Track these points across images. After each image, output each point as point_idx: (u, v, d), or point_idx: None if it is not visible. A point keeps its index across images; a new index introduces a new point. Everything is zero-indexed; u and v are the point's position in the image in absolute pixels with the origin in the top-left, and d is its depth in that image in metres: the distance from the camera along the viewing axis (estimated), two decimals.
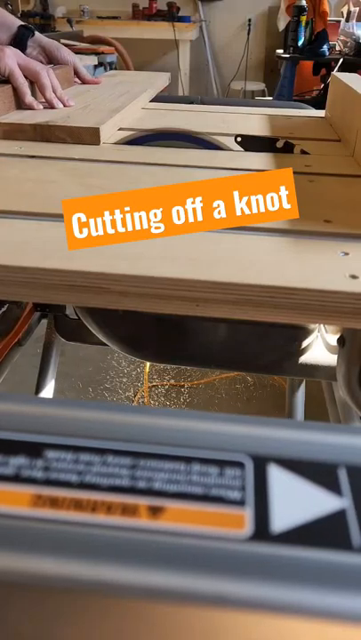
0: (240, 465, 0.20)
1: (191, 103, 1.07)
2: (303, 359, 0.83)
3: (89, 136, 0.68)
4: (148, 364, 1.74)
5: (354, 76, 0.82)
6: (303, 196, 0.53)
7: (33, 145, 0.68)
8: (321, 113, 0.96)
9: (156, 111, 0.91)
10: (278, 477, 0.20)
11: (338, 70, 3.42)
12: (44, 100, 0.81)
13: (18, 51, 0.80)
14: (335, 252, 0.41)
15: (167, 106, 0.96)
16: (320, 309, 0.36)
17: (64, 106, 0.81)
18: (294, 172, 0.54)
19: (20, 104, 0.79)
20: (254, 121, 0.86)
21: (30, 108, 0.78)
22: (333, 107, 0.88)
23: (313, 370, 0.84)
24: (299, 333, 0.80)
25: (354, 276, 0.37)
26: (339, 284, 0.36)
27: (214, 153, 0.67)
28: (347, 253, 0.41)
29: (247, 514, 0.18)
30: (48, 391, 1.17)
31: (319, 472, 0.20)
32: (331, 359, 0.80)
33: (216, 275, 0.37)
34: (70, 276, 0.38)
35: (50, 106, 0.80)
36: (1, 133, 0.70)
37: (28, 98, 0.78)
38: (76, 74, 0.95)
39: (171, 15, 4.00)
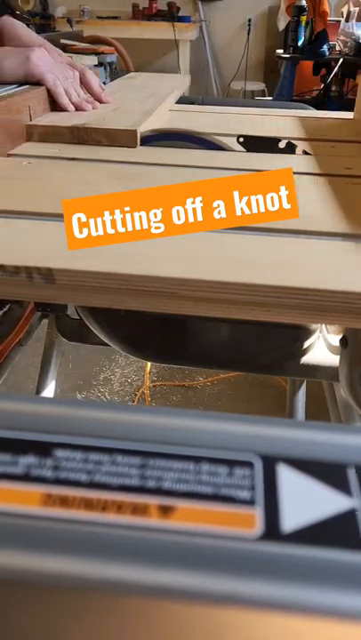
0: (249, 464, 0.20)
1: (192, 103, 1.07)
2: (305, 359, 0.84)
3: (126, 138, 0.67)
4: (149, 363, 1.74)
5: None
6: (357, 200, 0.52)
7: (69, 147, 0.67)
8: (346, 115, 0.95)
9: (185, 113, 0.91)
10: (288, 477, 0.20)
11: (338, 70, 3.42)
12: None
13: (45, 52, 0.80)
14: None
15: (193, 107, 0.96)
16: None
17: (93, 108, 0.80)
18: (336, 175, 0.54)
19: (55, 106, 0.79)
20: (285, 122, 0.86)
21: (65, 109, 0.78)
22: None
23: (314, 370, 0.84)
24: (300, 334, 0.80)
25: None
26: None
27: (253, 155, 0.66)
28: None
29: (257, 513, 0.18)
30: (49, 391, 1.17)
31: (328, 472, 0.20)
32: (332, 359, 0.80)
33: (283, 279, 0.37)
34: (135, 281, 0.38)
35: (79, 109, 0.79)
36: (37, 136, 0.69)
37: (63, 99, 0.78)
38: (83, 83, 0.91)
39: (171, 15, 4.00)
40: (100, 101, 0.84)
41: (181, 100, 1.08)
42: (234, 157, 0.66)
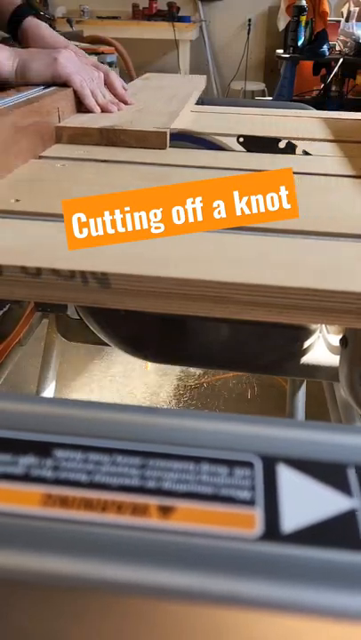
0: (249, 465, 0.20)
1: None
2: (305, 359, 0.84)
3: (156, 140, 0.67)
4: (149, 363, 1.74)
5: None
6: None
7: (99, 149, 0.67)
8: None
9: (207, 114, 0.91)
10: (288, 477, 0.20)
11: (338, 70, 3.42)
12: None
13: (72, 53, 0.80)
14: None
15: (213, 108, 0.96)
16: None
17: (118, 109, 0.80)
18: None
19: (80, 107, 0.79)
20: (310, 124, 0.85)
21: (91, 110, 0.78)
22: None
23: (314, 370, 0.84)
24: (300, 334, 0.80)
25: None
26: None
27: (290, 157, 0.66)
28: None
29: (257, 514, 0.18)
30: (49, 391, 1.17)
31: (329, 472, 0.20)
32: (332, 359, 0.80)
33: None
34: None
35: (105, 110, 0.79)
36: (66, 137, 0.69)
37: (90, 100, 0.78)
38: (107, 84, 0.89)
39: (171, 15, 4.00)
40: (125, 102, 0.84)
41: None
42: (261, 159, 0.65)
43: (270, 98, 3.83)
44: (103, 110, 0.79)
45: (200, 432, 0.21)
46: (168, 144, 0.68)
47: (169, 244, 0.42)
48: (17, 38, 0.85)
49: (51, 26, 0.87)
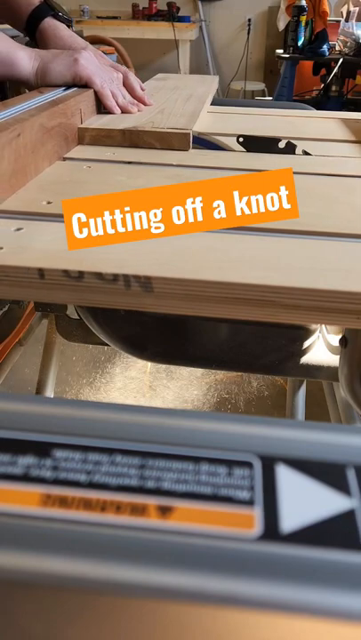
0: (249, 465, 0.20)
1: None
2: (305, 360, 0.83)
3: (178, 141, 0.67)
4: (149, 364, 1.74)
5: None
6: None
7: (122, 150, 0.66)
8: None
9: (224, 114, 0.90)
10: (287, 477, 0.20)
11: (338, 70, 3.42)
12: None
13: (92, 54, 0.80)
14: None
15: (228, 109, 0.96)
16: None
17: (138, 110, 0.80)
18: None
19: (99, 109, 0.79)
20: (325, 124, 0.85)
21: (111, 111, 0.78)
22: None
23: (314, 370, 0.84)
24: (300, 334, 0.80)
25: None
26: None
27: (313, 159, 0.66)
28: None
29: (256, 514, 0.18)
30: (49, 391, 1.17)
31: (328, 472, 0.20)
32: (332, 359, 0.80)
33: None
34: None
35: (125, 111, 0.79)
36: (88, 139, 0.69)
37: (110, 101, 0.78)
38: (126, 85, 0.88)
39: (171, 15, 4.00)
40: (144, 103, 0.83)
41: None
42: (294, 160, 0.65)
43: (270, 98, 3.83)
44: (123, 111, 0.79)
45: (199, 432, 0.21)
46: (191, 145, 0.67)
47: (209, 245, 0.41)
48: (34, 39, 0.85)
49: (68, 27, 0.86)
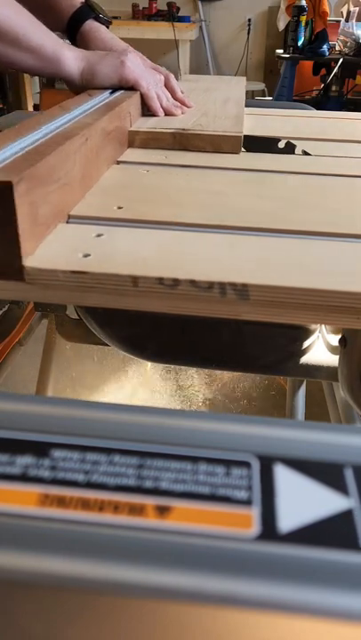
0: (247, 465, 0.20)
1: None
2: (304, 359, 0.84)
3: (230, 145, 0.66)
4: (149, 364, 1.74)
5: None
6: None
7: (173, 153, 0.66)
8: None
9: (263, 116, 0.90)
10: (285, 477, 0.20)
11: (338, 70, 3.42)
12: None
13: (137, 57, 0.79)
14: None
15: (265, 111, 0.96)
16: None
17: (181, 113, 0.79)
18: None
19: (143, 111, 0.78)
20: (355, 126, 0.85)
21: (155, 114, 0.77)
22: None
23: (314, 370, 0.84)
24: (300, 334, 0.80)
25: None
26: None
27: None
28: None
29: (254, 513, 0.18)
30: (49, 391, 1.17)
31: (326, 472, 0.20)
32: (332, 359, 0.80)
33: None
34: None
35: (168, 113, 0.78)
36: (138, 142, 0.68)
37: (155, 103, 0.77)
38: (167, 88, 0.87)
39: (171, 15, 3.99)
40: (185, 106, 0.83)
41: None
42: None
43: (270, 98, 3.83)
44: (167, 114, 0.78)
45: (197, 432, 0.21)
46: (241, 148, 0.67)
47: (307, 252, 0.41)
48: (75, 41, 0.84)
49: (107, 28, 0.86)
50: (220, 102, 0.88)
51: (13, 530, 0.18)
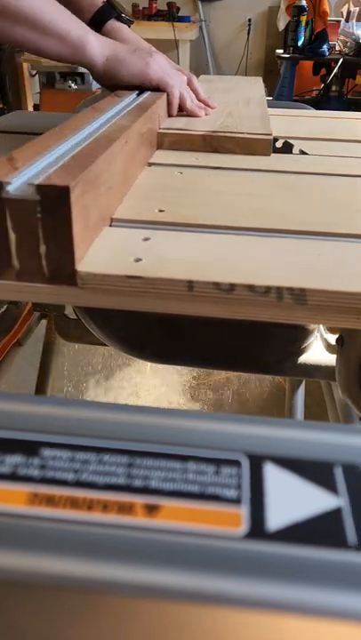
0: (236, 463, 0.20)
1: None
2: (303, 359, 0.84)
3: (261, 147, 0.65)
4: (148, 364, 1.74)
5: None
6: None
7: (204, 155, 0.65)
8: None
9: (285, 117, 0.90)
10: (274, 476, 0.20)
11: (338, 70, 3.42)
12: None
13: (162, 58, 0.79)
14: None
15: (285, 111, 0.95)
16: None
17: (205, 114, 0.79)
18: None
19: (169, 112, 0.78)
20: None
21: (171, 114, 0.77)
22: None
23: (312, 370, 0.84)
24: (298, 334, 0.80)
25: None
26: None
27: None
28: None
29: (243, 512, 0.18)
30: (48, 391, 1.18)
31: (315, 471, 0.20)
32: (330, 359, 0.80)
33: None
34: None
35: (192, 114, 0.78)
36: (167, 143, 0.67)
37: (176, 103, 0.77)
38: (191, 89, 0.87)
39: (171, 15, 4.00)
40: (209, 107, 0.83)
41: None
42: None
43: (270, 98, 3.83)
44: (192, 115, 0.78)
45: (187, 431, 0.21)
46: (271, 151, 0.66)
47: (343, 256, 0.40)
48: None
49: (129, 27, 0.85)
50: (242, 103, 0.88)
51: (2, 529, 0.18)
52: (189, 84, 0.83)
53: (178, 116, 0.77)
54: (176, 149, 0.67)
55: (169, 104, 0.77)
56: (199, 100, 0.83)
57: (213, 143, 0.66)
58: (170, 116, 0.77)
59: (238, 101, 0.89)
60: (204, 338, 0.84)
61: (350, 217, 0.47)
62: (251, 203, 0.50)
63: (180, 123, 0.73)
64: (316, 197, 0.52)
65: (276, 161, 0.64)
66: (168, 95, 0.76)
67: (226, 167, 0.60)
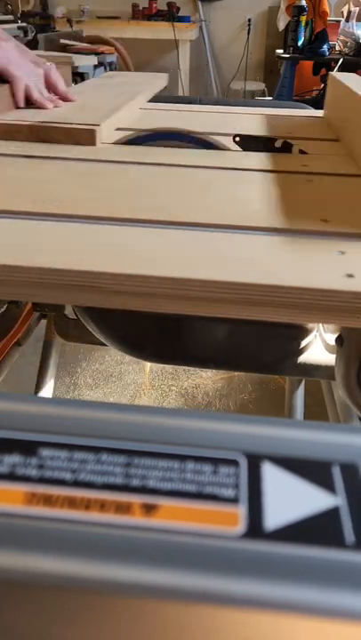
0: (234, 463, 0.20)
1: (190, 103, 1.07)
2: (302, 359, 0.83)
3: (85, 137, 0.67)
4: (148, 364, 1.74)
5: (352, 75, 0.83)
6: (301, 196, 0.53)
7: (31, 145, 0.67)
8: (320, 113, 0.96)
9: (155, 111, 0.91)
10: (272, 475, 0.20)
11: (338, 70, 3.42)
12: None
13: (11, 45, 0.79)
14: (331, 252, 0.41)
15: (164, 106, 0.96)
16: (316, 308, 0.37)
17: (55, 106, 0.80)
18: (292, 172, 0.55)
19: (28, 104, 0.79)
20: (253, 120, 0.86)
21: (18, 104, 0.78)
22: (331, 106, 0.88)
23: (312, 369, 0.84)
24: (298, 333, 0.80)
25: (350, 275, 0.37)
26: (335, 282, 0.37)
27: (213, 152, 0.67)
28: (343, 252, 0.41)
29: (241, 511, 0.18)
30: (47, 391, 1.17)
31: (313, 470, 0.20)
32: (330, 359, 0.80)
33: (212, 274, 0.37)
34: (69, 275, 0.38)
35: (40, 107, 0.79)
36: (1, 134, 0.69)
37: (20, 94, 0.77)
38: (49, 81, 0.87)
39: (171, 15, 4.00)
40: (67, 100, 0.83)
41: (180, 100, 1.08)
42: (205, 155, 0.66)
43: (270, 98, 3.83)
44: (39, 106, 0.79)
45: (185, 430, 0.21)
46: (99, 140, 0.68)
47: (155, 241, 0.42)
48: None
49: (50, 27, 0.86)
50: (110, 97, 0.89)
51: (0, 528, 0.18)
52: (47, 76, 0.84)
53: (29, 107, 0.79)
54: (8, 139, 0.69)
55: (13, 95, 0.78)
56: (58, 92, 0.84)
57: (41, 134, 0.68)
58: (17, 107, 0.78)
59: (108, 96, 0.90)
60: (204, 338, 0.84)
61: (135, 203, 0.50)
62: (33, 189, 0.52)
63: (23, 113, 0.75)
64: (91, 183, 0.55)
65: (97, 151, 0.66)
66: (12, 86, 0.77)
67: (38, 156, 0.63)
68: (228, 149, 0.69)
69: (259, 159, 0.64)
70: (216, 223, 0.46)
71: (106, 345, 0.89)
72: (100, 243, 0.42)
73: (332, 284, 0.36)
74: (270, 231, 0.45)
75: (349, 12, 3.54)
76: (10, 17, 2.39)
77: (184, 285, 0.37)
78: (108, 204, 0.49)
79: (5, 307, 0.93)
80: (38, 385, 1.17)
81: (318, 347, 0.81)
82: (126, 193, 0.52)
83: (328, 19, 3.55)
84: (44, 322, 1.13)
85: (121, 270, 0.37)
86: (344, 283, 0.37)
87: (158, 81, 1.11)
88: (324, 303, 0.36)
